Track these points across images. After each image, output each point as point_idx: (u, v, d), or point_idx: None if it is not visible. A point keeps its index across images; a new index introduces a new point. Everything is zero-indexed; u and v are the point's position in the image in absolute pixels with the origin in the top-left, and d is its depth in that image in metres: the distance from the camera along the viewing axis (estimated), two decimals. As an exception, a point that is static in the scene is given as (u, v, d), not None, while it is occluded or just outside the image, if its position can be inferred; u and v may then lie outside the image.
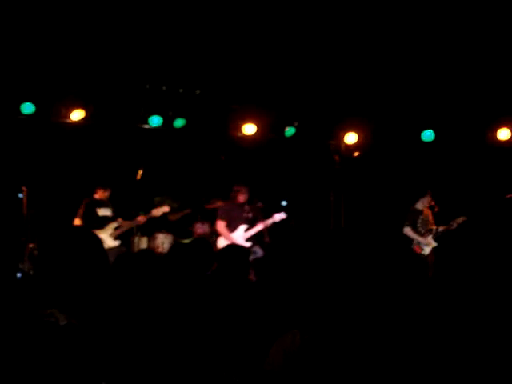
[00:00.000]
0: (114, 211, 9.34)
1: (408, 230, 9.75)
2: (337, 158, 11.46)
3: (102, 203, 9.30)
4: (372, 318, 3.29)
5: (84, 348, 3.25)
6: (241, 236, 9.04)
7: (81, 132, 10.25)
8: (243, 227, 9.06)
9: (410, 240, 9.78)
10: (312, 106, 10.82)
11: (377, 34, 9.09)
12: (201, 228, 10.34)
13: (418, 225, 9.77)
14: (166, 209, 9.53)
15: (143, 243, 10.11)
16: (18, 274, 8.45)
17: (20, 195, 9.83)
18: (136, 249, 9.89)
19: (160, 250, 10.15)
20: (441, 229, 9.68)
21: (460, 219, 9.67)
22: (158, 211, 9.49)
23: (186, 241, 9.75)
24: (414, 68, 9.84)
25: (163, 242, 10.20)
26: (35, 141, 10.37)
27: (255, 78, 10.01)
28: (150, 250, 8.61)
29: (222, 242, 8.99)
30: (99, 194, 9.35)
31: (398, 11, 8.67)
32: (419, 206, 9.85)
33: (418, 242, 9.69)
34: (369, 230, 10.89)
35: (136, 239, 9.93)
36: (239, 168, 11.07)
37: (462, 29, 8.92)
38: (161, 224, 9.99)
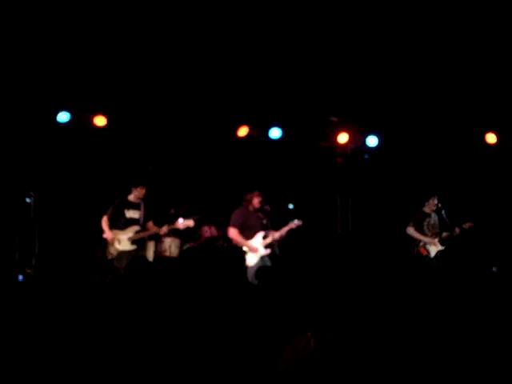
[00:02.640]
0: (143, 214, 9.29)
1: (411, 230, 9.74)
2: (340, 160, 11.45)
3: (132, 205, 9.26)
4: (381, 320, 3.30)
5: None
6: (259, 243, 8.98)
7: (101, 136, 10.38)
8: (261, 234, 8.99)
9: (413, 241, 9.77)
10: (314, 109, 10.88)
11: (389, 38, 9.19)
12: (208, 231, 10.33)
13: (425, 227, 9.76)
14: (191, 223, 9.44)
15: (151, 247, 10.11)
16: (20, 277, 8.45)
17: (28, 200, 9.86)
18: (147, 252, 9.88)
19: (167, 253, 10.15)
20: (444, 234, 9.67)
21: (466, 225, 9.66)
22: (182, 224, 9.39)
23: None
24: (417, 70, 9.88)
25: (170, 245, 10.19)
26: (42, 145, 10.44)
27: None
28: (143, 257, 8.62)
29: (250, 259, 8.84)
30: (133, 195, 9.28)
31: (386, 13, 8.78)
32: (426, 209, 9.84)
33: (424, 244, 9.68)
34: (376, 234, 10.88)
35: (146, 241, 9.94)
36: (246, 172, 11.08)
37: (460, 32, 8.99)
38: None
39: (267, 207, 9.26)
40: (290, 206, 10.79)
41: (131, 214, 9.23)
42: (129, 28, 9.13)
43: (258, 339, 3.67)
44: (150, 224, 9.32)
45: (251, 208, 9.08)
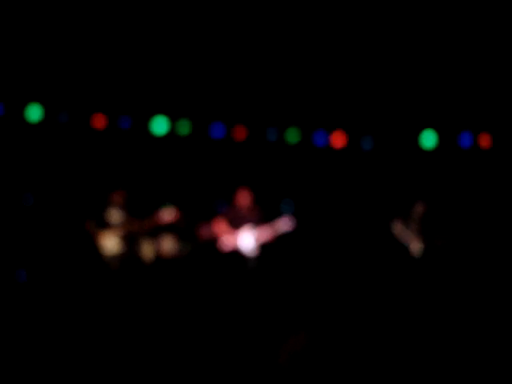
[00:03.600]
0: (127, 216, 9.53)
1: (397, 227, 9.80)
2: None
3: (115, 207, 9.51)
4: (372, 316, 3.41)
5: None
6: (247, 241, 8.98)
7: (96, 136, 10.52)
8: (248, 231, 8.95)
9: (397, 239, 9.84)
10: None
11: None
12: (206, 231, 10.40)
13: (411, 228, 9.83)
14: (171, 216, 9.59)
15: (147, 246, 10.21)
16: (21, 276, 8.59)
17: (25, 200, 10.06)
18: (141, 251, 10.02)
19: (164, 252, 10.25)
20: (423, 244, 9.71)
21: (447, 239, 9.71)
22: (163, 217, 9.58)
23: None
24: (414, 70, 9.98)
25: (167, 244, 10.29)
26: (43, 145, 10.56)
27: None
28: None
29: (226, 244, 8.97)
30: (115, 198, 9.50)
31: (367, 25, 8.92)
32: (414, 211, 9.89)
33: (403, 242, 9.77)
34: (368, 234, 10.95)
35: (141, 241, 10.05)
36: (239, 172, 11.15)
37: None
38: (165, 226, 10.12)
39: (258, 210, 9.19)
40: (285, 207, 10.84)
41: (115, 215, 9.46)
42: (118, 27, 9.30)
43: (257, 337, 3.76)
44: (129, 225, 9.52)
45: (238, 206, 8.98)
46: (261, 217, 9.03)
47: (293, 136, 10.99)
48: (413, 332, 3.32)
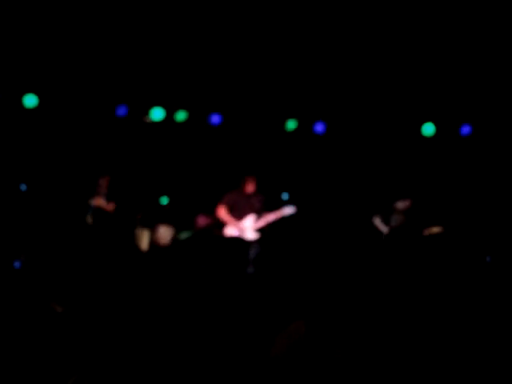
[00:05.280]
0: (108, 201, 9.73)
1: (376, 220, 9.81)
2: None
3: (99, 194, 9.72)
4: (370, 309, 3.38)
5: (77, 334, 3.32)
6: (250, 226, 9.12)
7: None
8: (252, 217, 9.15)
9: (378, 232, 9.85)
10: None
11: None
12: (203, 220, 10.41)
13: (392, 223, 9.83)
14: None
15: (145, 235, 10.23)
16: (17, 264, 8.61)
17: (22, 187, 10.11)
18: (138, 241, 10.07)
19: (162, 242, 10.27)
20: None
21: (434, 229, 9.71)
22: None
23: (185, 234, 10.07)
24: (415, 64, 10.00)
25: (165, 233, 10.32)
26: (38, 134, 10.56)
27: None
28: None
29: (229, 230, 9.08)
30: (100, 184, 9.74)
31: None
32: (398, 206, 9.87)
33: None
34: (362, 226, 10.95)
35: (138, 231, 10.09)
36: (241, 160, 11.16)
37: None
38: (162, 216, 10.14)
39: (262, 197, 9.35)
40: (285, 197, 10.88)
41: (96, 201, 9.70)
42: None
43: (253, 326, 3.74)
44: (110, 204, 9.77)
45: (245, 192, 9.22)
46: (263, 204, 9.27)
47: (291, 125, 11.00)
48: (411, 324, 3.27)
